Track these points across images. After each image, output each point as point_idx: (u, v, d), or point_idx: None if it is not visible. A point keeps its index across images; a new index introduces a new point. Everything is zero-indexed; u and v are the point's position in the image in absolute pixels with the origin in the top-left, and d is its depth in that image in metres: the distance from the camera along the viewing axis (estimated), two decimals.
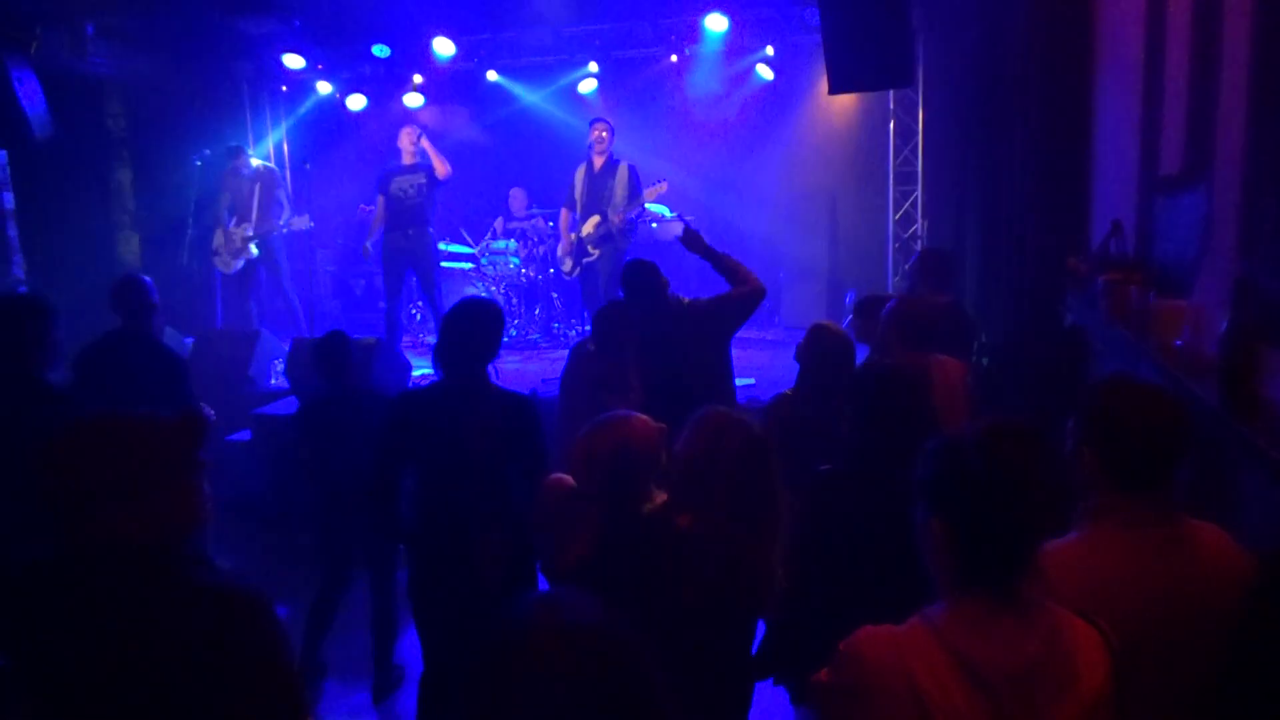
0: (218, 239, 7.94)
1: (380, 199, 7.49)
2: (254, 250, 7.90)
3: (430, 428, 3.05)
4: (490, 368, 3.17)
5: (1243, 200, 2.54)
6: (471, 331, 3.08)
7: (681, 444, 2.34)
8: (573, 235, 7.42)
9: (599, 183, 7.22)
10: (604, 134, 7.19)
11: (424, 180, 7.30)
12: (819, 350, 3.53)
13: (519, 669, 1.22)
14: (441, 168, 7.27)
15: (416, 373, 7.60)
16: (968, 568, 1.60)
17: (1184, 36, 3.04)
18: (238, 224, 7.86)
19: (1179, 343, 2.90)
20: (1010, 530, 1.58)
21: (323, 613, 4.25)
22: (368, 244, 7.76)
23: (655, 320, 4.11)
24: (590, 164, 7.29)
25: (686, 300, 4.29)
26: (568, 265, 7.58)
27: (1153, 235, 3.49)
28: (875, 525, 2.24)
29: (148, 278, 4.85)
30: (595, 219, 7.22)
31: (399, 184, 7.35)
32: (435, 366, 3.14)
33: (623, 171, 7.13)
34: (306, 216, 8.13)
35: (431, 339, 8.88)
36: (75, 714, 1.65)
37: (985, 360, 4.04)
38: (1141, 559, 1.92)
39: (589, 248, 7.29)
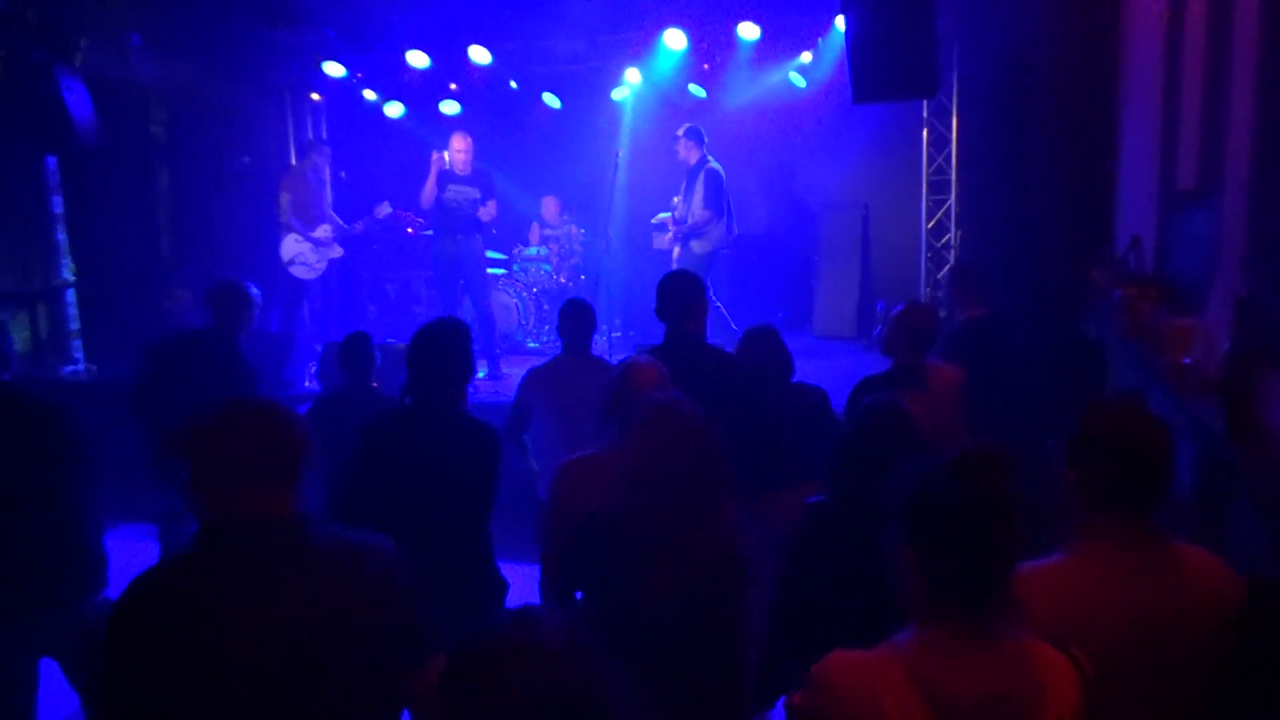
0: (294, 245, 7.82)
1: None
2: (338, 250, 7.96)
3: (396, 457, 2.93)
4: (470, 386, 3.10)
5: (1249, 217, 2.51)
6: (440, 354, 2.98)
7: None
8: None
9: (688, 185, 7.64)
10: (678, 146, 7.60)
11: (477, 196, 7.49)
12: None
13: (482, 683, 1.26)
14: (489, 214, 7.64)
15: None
16: (937, 594, 1.61)
17: (1198, 53, 3.01)
18: (314, 226, 7.85)
19: (1188, 360, 2.87)
20: (980, 557, 1.58)
21: None
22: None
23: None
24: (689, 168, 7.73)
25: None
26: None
27: (1169, 250, 3.44)
28: (865, 557, 2.22)
29: (254, 287, 4.84)
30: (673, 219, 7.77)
31: (454, 192, 7.49)
32: (405, 391, 3.04)
33: (702, 177, 7.46)
34: (386, 203, 8.20)
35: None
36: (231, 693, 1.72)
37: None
38: (1126, 581, 1.90)
39: (675, 249, 7.77)
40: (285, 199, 7.75)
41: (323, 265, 7.99)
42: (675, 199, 7.94)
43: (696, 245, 7.47)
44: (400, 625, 1.83)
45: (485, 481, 2.93)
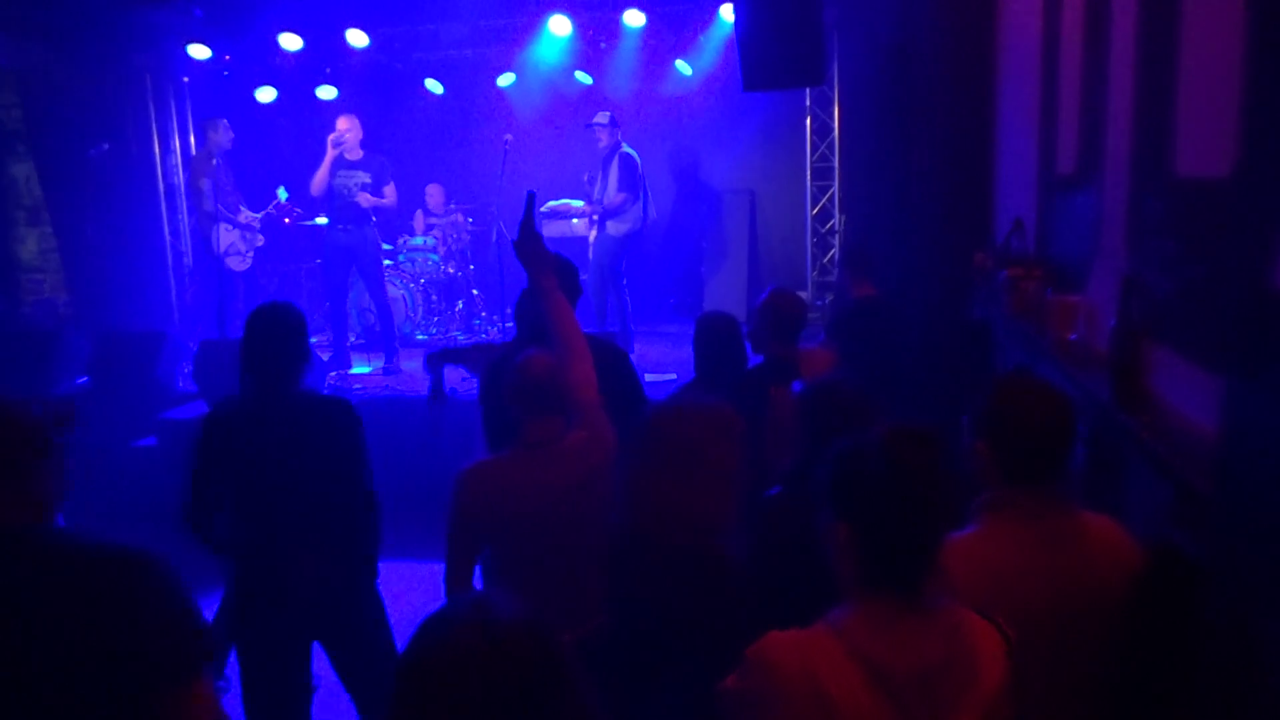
0: (226, 236, 7.31)
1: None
2: (261, 239, 7.52)
3: (239, 445, 2.88)
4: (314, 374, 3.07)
5: (1129, 200, 2.65)
6: (274, 338, 2.91)
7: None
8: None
9: (603, 171, 7.72)
10: (597, 131, 7.65)
11: (368, 180, 7.26)
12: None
13: (442, 665, 1.24)
14: (388, 202, 7.40)
15: (355, 370, 7.51)
16: (871, 570, 1.64)
17: (1077, 40, 3.16)
18: (236, 213, 7.40)
19: (1074, 336, 3.02)
20: (913, 533, 1.61)
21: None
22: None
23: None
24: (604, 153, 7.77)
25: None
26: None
27: (1051, 232, 3.61)
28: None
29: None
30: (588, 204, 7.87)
31: (343, 178, 7.21)
32: (243, 379, 2.96)
33: (616, 160, 7.57)
34: (282, 188, 7.86)
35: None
36: None
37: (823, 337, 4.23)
38: (1035, 550, 1.99)
39: (591, 232, 7.86)
40: (206, 185, 7.26)
41: (251, 255, 7.60)
42: (585, 175, 8.06)
43: (613, 227, 7.63)
44: (144, 641, 1.69)
45: (350, 455, 2.91)
